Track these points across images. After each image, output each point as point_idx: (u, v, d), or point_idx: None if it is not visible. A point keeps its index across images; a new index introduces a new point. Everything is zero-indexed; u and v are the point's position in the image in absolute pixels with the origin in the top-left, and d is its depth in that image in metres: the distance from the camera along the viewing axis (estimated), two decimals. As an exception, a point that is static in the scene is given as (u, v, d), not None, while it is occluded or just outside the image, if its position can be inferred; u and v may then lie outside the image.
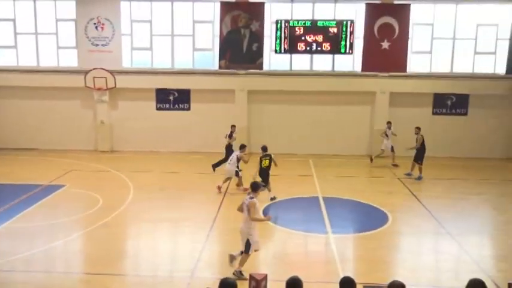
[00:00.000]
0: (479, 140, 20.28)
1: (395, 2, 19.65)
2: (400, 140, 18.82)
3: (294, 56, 20.18)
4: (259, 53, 19.95)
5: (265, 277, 6.42)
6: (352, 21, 18.71)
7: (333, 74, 20.37)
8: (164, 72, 20.50)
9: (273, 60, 20.43)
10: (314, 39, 18.70)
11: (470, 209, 14.12)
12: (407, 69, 19.94)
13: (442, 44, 20.23)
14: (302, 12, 19.77)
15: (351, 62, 20.27)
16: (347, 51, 18.77)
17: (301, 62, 20.54)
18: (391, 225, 12.54)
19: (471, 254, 10.81)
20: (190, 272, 9.56)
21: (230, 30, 19.82)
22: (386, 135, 18.81)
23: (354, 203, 14.40)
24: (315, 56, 20.11)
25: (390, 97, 20.21)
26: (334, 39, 18.69)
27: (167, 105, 20.89)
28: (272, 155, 14.65)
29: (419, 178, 16.72)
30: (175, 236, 12.09)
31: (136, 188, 15.32)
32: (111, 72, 19.94)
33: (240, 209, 9.57)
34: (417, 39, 20.16)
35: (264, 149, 14.76)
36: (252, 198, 9.34)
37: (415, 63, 20.30)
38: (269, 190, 14.25)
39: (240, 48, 19.90)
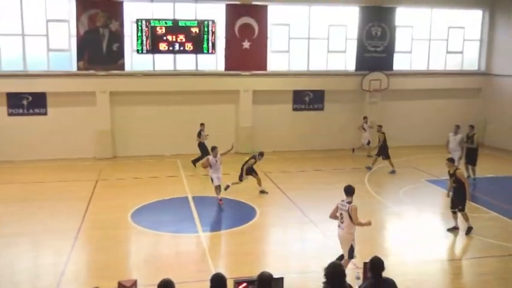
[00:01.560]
0: (335, 132, 21.76)
1: (254, 3, 20.31)
2: (266, 136, 19.51)
3: (157, 56, 19.92)
4: (120, 53, 19.36)
5: (134, 283, 6.29)
6: (213, 21, 19.03)
7: (197, 74, 20.49)
8: (15, 75, 19.00)
9: (135, 60, 19.94)
10: (176, 39, 18.69)
11: (330, 197, 14.95)
12: (268, 68, 20.73)
13: (298, 43, 21.34)
14: (163, 12, 19.58)
15: (214, 61, 20.54)
16: (209, 51, 19.06)
17: (164, 62, 20.32)
18: (259, 218, 12.98)
19: (332, 239, 11.56)
20: (55, 286, 9.01)
21: (88, 30, 18.95)
22: (364, 129, 19.74)
23: (223, 200, 14.61)
24: (178, 55, 20.05)
25: (253, 95, 20.86)
26: (196, 39, 18.85)
27: (21, 111, 19.36)
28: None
29: (393, 172, 17.61)
30: (37, 250, 11.27)
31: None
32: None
33: (334, 216, 9.17)
34: (276, 39, 21.04)
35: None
36: (350, 202, 8.93)
37: (275, 62, 21.17)
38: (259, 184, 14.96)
39: (99, 48, 19.12)
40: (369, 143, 19.91)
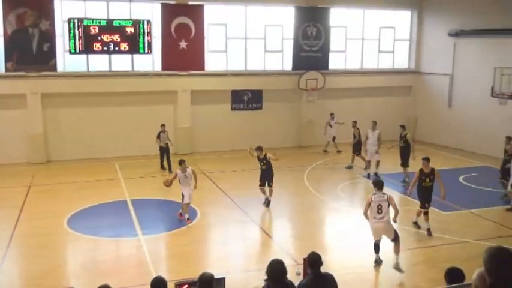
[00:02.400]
0: (275, 131, 22.01)
1: (190, 3, 20.17)
2: (206, 136, 19.43)
3: (92, 56, 19.37)
4: (52, 53, 18.65)
5: (72, 290, 6.11)
6: (148, 21, 18.73)
7: (133, 74, 20.12)
8: None
9: (68, 61, 19.28)
10: (111, 39, 18.25)
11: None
12: (206, 68, 20.66)
13: (235, 43, 21.42)
14: (96, 11, 19.07)
15: (151, 61, 20.24)
16: (145, 51, 18.75)
17: (99, 62, 19.80)
18: (200, 219, 12.93)
19: (273, 237, 11.77)
20: (-13, 298, 8.60)
21: (16, 30, 18.12)
22: (330, 126, 19.90)
23: (163, 202, 14.45)
24: (114, 56, 19.59)
25: (191, 95, 20.73)
26: (132, 39, 18.48)
27: None
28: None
29: (350, 167, 17.93)
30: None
31: None
32: None
33: (367, 211, 9.74)
34: (213, 39, 21.01)
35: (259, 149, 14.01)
36: (385, 194, 9.75)
37: (213, 62, 21.14)
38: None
39: (29, 48, 18.33)
40: (334, 139, 20.19)
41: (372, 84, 23.36)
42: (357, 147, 18.01)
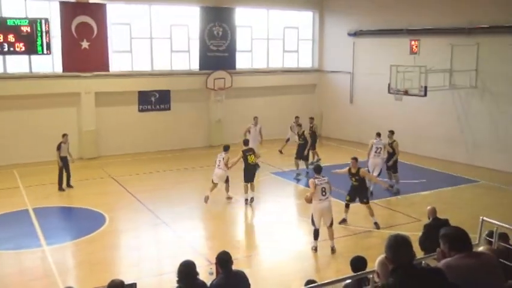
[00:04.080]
0: (184, 131, 21.85)
1: (91, 1, 19.44)
2: (113, 139, 18.80)
3: (-17, 57, 18.10)
4: None
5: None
6: (46, 20, 17.76)
7: (31, 76, 19.01)
8: None
9: (-44, 62, 17.89)
10: (5, 38, 17.09)
11: (181, 197, 15.16)
12: (110, 69, 20.04)
13: (141, 43, 20.97)
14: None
15: (51, 62, 19.28)
16: (44, 51, 17.77)
17: (-8, 64, 18.55)
18: (109, 224, 12.53)
19: (185, 238, 11.70)
20: None
21: None
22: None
23: (68, 209, 13.89)
24: (8, 57, 18.39)
25: (96, 97, 20.01)
26: (29, 38, 17.43)
27: None
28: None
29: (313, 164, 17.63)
30: None
31: None
32: None
33: (312, 194, 10.49)
34: (117, 38, 20.43)
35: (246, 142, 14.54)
36: (325, 177, 10.74)
37: (117, 62, 20.56)
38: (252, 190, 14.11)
39: None
40: (288, 140, 19.56)
41: (278, 83, 23.91)
42: (314, 143, 18.14)
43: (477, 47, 17.96)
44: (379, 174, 14.88)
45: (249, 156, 14.01)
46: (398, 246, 3.81)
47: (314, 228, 10.71)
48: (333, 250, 10.66)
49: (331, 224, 10.83)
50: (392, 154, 15.08)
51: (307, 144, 16.97)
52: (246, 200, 14.04)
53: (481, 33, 17.93)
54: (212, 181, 14.15)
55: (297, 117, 18.41)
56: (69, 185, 15.64)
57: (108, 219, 12.81)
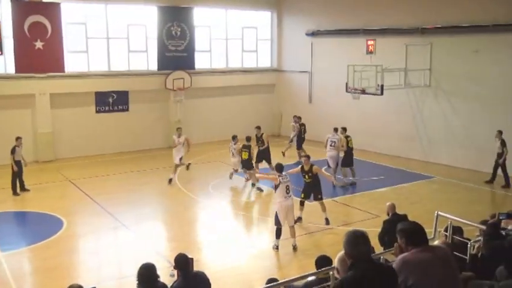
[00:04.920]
0: (143, 132, 21.57)
1: (44, 0, 18.92)
2: (70, 141, 18.34)
3: None
4: None
5: None
6: (-3, 19, 17.24)
7: (-18, 77, 18.40)
8: None
9: None
10: (-48, 38, 16.49)
11: (141, 198, 14.95)
12: (66, 69, 19.57)
13: (97, 43, 20.56)
14: None
15: (3, 63, 18.67)
16: (-5, 52, 17.24)
17: None
18: (66, 229, 12.24)
19: (146, 241, 11.57)
20: None
21: None
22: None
23: (24, 214, 13.49)
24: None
25: (51, 98, 19.49)
26: (-21, 38, 16.88)
27: None
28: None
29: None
30: None
31: None
32: None
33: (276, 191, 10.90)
34: (72, 38, 19.96)
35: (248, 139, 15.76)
36: (287, 175, 11.06)
37: (73, 63, 20.10)
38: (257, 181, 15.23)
39: None
40: (291, 140, 19.55)
41: (238, 83, 23.92)
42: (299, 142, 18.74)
43: (430, 47, 18.50)
44: (336, 167, 15.74)
45: (243, 152, 15.60)
46: (356, 241, 3.91)
47: (277, 227, 10.76)
48: (294, 248, 10.75)
49: (294, 222, 10.97)
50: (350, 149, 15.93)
51: (265, 149, 16.75)
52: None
53: (434, 33, 18.47)
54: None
55: (295, 116, 19.33)
56: (24, 189, 15.17)
57: (66, 224, 12.52)
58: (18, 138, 15.25)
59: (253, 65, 25.04)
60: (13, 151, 15.00)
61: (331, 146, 16.03)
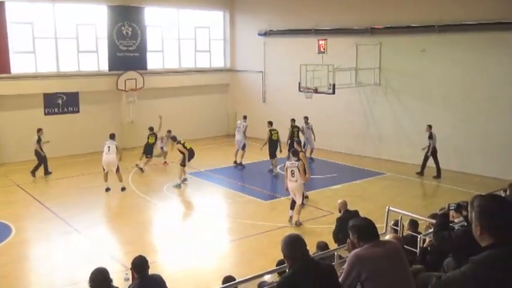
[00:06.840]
0: (94, 134, 21.05)
1: (-13, -1, 18.25)
2: (17, 145, 17.76)
3: None
4: None
5: None
6: None
7: None
8: None
9: None
10: None
11: (94, 201, 14.64)
12: (11, 70, 18.91)
13: (44, 43, 19.98)
14: None
15: None
16: None
17: None
18: (15, 235, 11.84)
19: (99, 245, 11.33)
20: None
21: None
22: (303, 132, 19.07)
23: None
24: None
25: (-4, 101, 18.83)
26: None
27: None
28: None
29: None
30: None
31: None
32: None
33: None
34: (18, 38, 19.31)
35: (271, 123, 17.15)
36: (297, 161, 12.10)
37: (20, 64, 19.45)
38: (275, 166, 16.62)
39: None
40: (304, 144, 18.26)
41: (191, 83, 23.78)
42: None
43: (380, 46, 18.98)
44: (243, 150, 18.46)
45: (273, 134, 17.20)
46: (292, 243, 4.13)
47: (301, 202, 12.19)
48: (296, 224, 12.02)
49: (300, 203, 12.19)
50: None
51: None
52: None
53: (383, 33, 18.96)
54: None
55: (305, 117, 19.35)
56: (34, 174, 14.83)
57: (15, 230, 12.11)
58: (39, 130, 16.68)
59: (206, 65, 24.96)
60: (39, 141, 16.13)
61: (237, 131, 18.98)
